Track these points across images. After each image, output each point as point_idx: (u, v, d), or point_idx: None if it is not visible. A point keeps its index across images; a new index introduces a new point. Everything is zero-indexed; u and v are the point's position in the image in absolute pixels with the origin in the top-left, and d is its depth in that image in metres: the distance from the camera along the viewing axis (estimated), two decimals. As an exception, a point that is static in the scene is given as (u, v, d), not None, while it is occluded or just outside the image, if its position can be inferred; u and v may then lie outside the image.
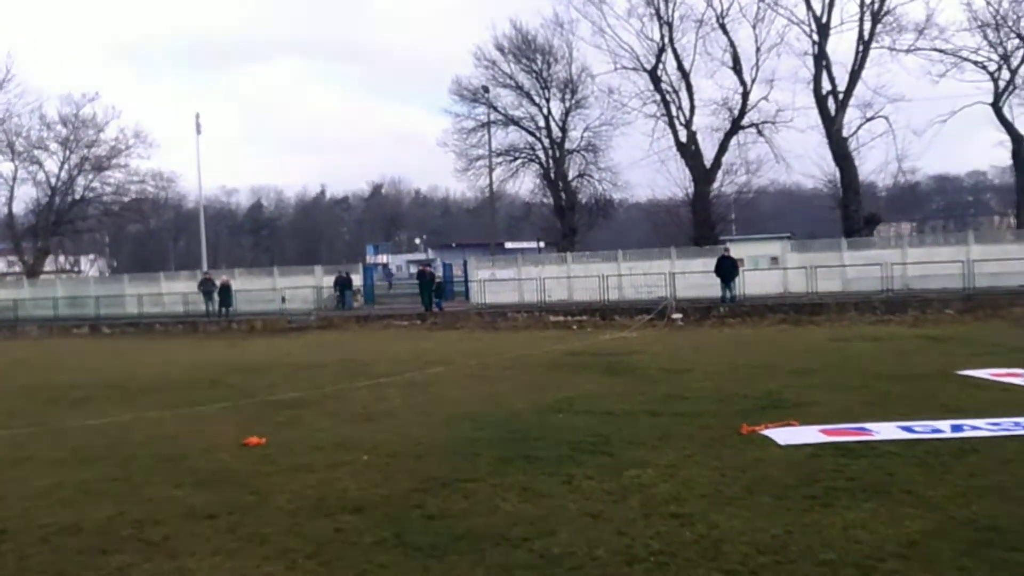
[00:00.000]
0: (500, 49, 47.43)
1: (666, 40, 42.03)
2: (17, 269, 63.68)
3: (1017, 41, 37.56)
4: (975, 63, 38.11)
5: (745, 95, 41.25)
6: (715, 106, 42.62)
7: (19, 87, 57.23)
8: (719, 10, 40.64)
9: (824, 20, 38.57)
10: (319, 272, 40.71)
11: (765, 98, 41.44)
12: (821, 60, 38.83)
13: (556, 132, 47.88)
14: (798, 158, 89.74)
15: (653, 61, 42.64)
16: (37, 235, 57.65)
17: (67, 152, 56.42)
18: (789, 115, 41.06)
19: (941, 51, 38.00)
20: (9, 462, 10.35)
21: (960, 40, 38.13)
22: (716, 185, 43.79)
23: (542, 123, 48.12)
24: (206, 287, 37.61)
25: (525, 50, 47.48)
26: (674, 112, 42.86)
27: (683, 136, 42.69)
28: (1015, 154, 38.60)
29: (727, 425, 10.44)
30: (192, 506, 7.82)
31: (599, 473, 8.37)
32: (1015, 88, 38.04)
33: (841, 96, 38.72)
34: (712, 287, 30.29)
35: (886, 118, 38.88)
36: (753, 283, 31.75)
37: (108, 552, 6.59)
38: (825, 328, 24.83)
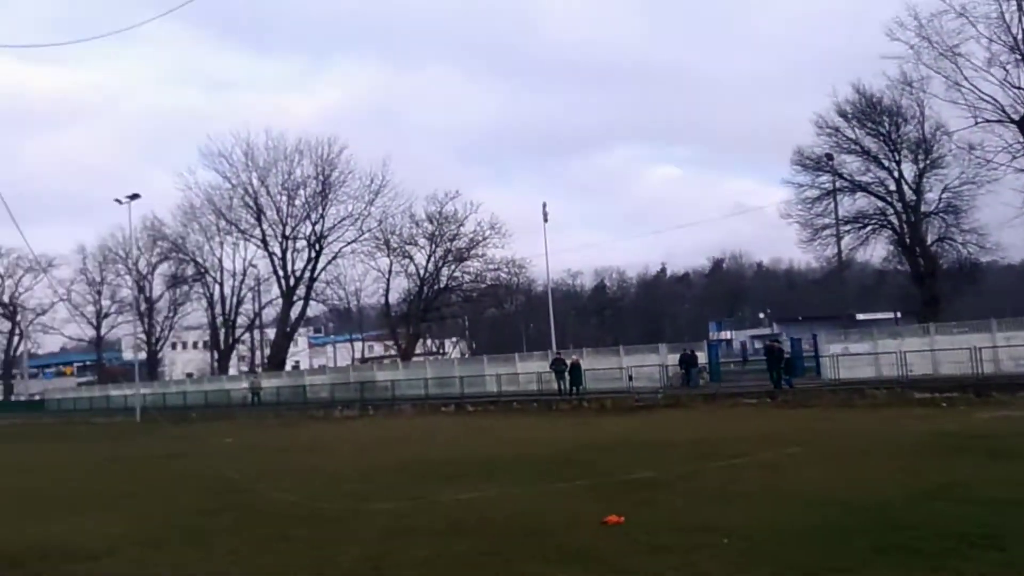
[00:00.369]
0: (843, 115, 45.89)
1: (1035, 86, 38.17)
2: (392, 352, 70.81)
3: None
4: None
5: None
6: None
7: (392, 191, 64.24)
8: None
9: None
10: (663, 350, 40.88)
11: None
12: None
13: (910, 195, 45.04)
14: None
15: (1022, 111, 38.82)
16: (409, 322, 63.77)
17: (433, 246, 62.27)
18: None
19: None
20: (394, 532, 11.34)
21: None
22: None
23: (893, 187, 45.56)
24: (557, 366, 39.20)
25: (870, 113, 45.47)
26: (1051, 163, 38.56)
27: (1064, 189, 38.17)
28: None
29: None
30: (560, 582, 8.06)
31: (992, 570, 7.50)
32: None
33: None
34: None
35: None
36: None
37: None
38: None
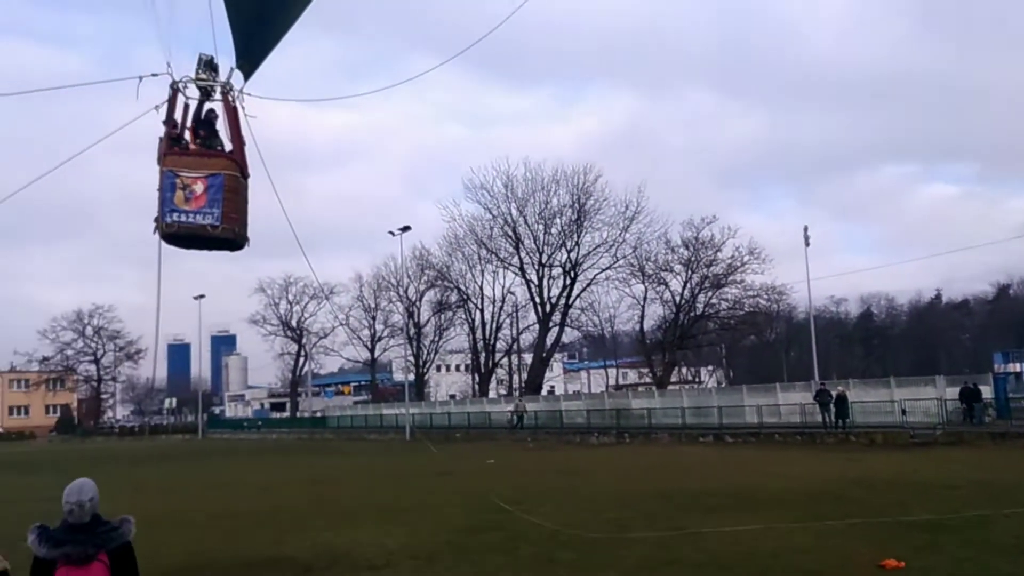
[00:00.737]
0: None
1: None
2: (647, 380, 70.49)
3: None
4: None
5: None
6: None
7: (647, 217, 64.27)
8: None
9: None
10: (941, 382, 37.70)
11: None
12: None
13: None
14: None
15: None
16: (665, 349, 63.29)
17: (689, 272, 61.57)
18: None
19: None
20: (656, 562, 11.24)
21: None
22: None
23: None
24: (822, 398, 37.31)
25: None
26: None
27: None
28: None
29: None
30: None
31: None
32: None
33: None
34: None
35: None
36: None
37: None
38: None
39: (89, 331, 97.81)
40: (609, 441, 43.55)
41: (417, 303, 79.80)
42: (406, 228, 61.62)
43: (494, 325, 74.64)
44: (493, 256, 71.05)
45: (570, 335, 77.09)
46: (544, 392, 73.40)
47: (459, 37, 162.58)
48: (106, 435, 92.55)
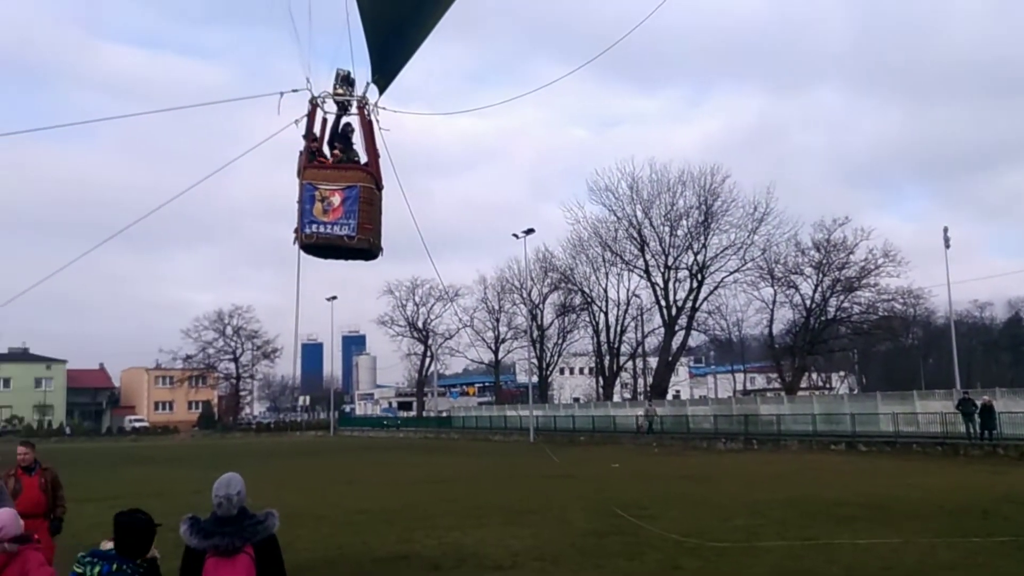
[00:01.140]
0: None
1: None
2: (776, 385, 68.80)
3: None
4: None
5: None
6: None
7: (776, 219, 62.78)
8: None
9: None
10: (1102, 394, 35.41)
11: None
12: None
13: None
14: None
15: None
16: (795, 354, 61.64)
17: (820, 275, 59.83)
18: None
19: None
20: (787, 573, 10.98)
21: None
22: None
23: None
24: (965, 407, 35.50)
25: None
26: None
27: None
28: None
29: None
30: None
31: None
32: None
33: None
34: None
35: None
36: None
37: None
38: None
39: (229, 331, 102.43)
40: (736, 447, 42.72)
41: (540, 305, 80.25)
42: (530, 231, 62.07)
43: (618, 328, 74.36)
44: (618, 259, 70.87)
45: (696, 339, 76.26)
46: (669, 397, 72.58)
47: (583, 39, 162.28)
48: (244, 431, 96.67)
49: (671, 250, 66.94)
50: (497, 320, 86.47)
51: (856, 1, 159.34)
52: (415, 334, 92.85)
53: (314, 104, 8.70)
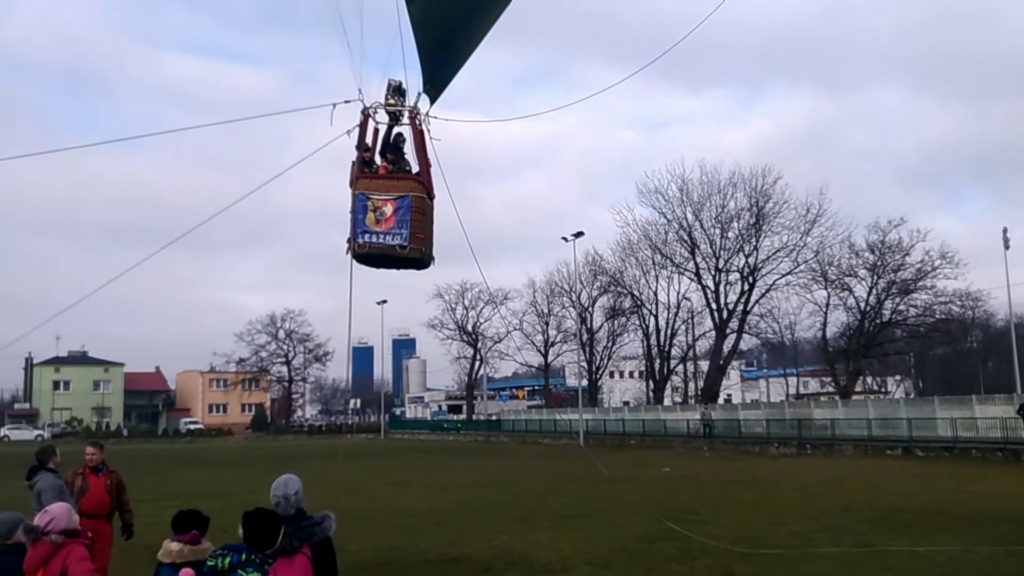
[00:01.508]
0: None
1: None
2: (830, 389, 67.79)
3: None
4: None
5: None
6: None
7: (829, 220, 61.86)
8: None
9: None
10: None
11: None
12: None
13: None
14: None
15: None
16: (849, 357, 60.68)
17: (875, 277, 58.87)
18: None
19: None
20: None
21: None
22: None
23: None
24: (1025, 412, 34.72)
25: None
26: None
27: None
28: None
29: None
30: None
31: None
32: None
33: None
34: None
35: None
36: None
37: None
38: None
39: (281, 334, 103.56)
40: (789, 452, 42.20)
41: (590, 309, 79.97)
42: (579, 234, 61.93)
43: (669, 331, 73.83)
44: (668, 261, 70.40)
45: (748, 342, 75.46)
46: (721, 400, 71.90)
47: (631, 41, 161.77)
48: (296, 433, 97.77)
49: (722, 252, 66.36)
50: (546, 323, 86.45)
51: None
52: (464, 337, 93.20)
53: (366, 115, 8.81)
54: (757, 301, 66.23)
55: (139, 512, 10.06)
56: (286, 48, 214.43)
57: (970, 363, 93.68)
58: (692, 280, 68.89)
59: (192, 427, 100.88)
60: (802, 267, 63.49)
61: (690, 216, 67.17)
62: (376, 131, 8.99)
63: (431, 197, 8.76)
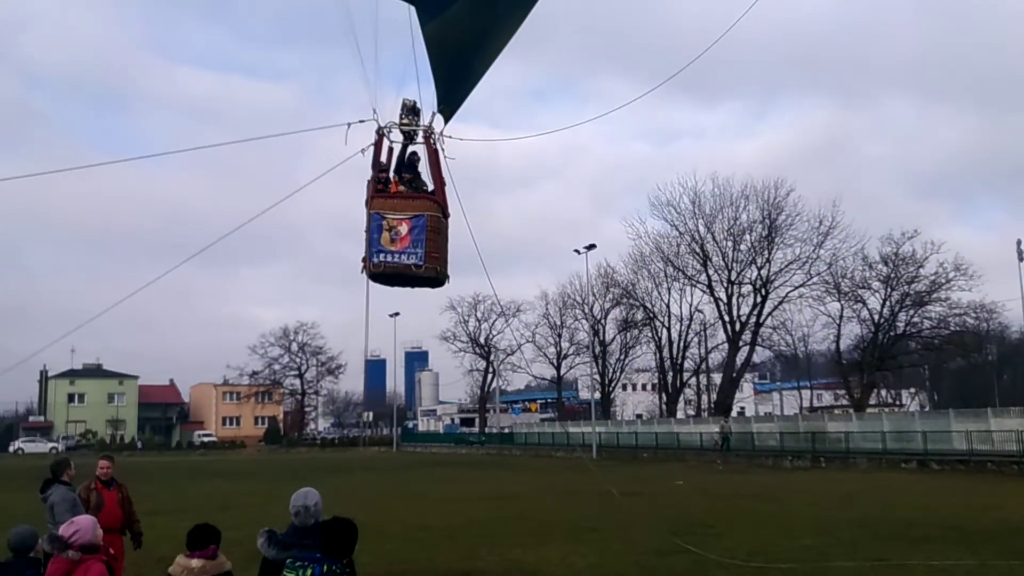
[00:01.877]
0: None
1: None
2: (844, 402, 67.47)
3: None
4: None
5: None
6: None
7: (842, 232, 61.69)
8: None
9: None
10: None
11: None
12: None
13: None
14: None
15: None
16: (863, 370, 60.40)
17: (889, 290, 58.65)
18: None
19: None
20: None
21: None
22: None
23: None
24: (1041, 426, 34.52)
25: None
26: None
27: None
28: None
29: None
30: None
31: None
32: None
33: None
34: None
35: None
36: None
37: None
38: None
39: (294, 347, 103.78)
40: (803, 465, 42.03)
41: (602, 321, 79.87)
42: (591, 246, 61.98)
43: (681, 344, 73.71)
44: (680, 274, 70.36)
45: (761, 355, 75.19)
46: (734, 413, 71.62)
47: (644, 54, 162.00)
48: (309, 446, 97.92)
49: (734, 265, 66.28)
50: (559, 336, 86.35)
51: (927, 9, 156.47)
52: (477, 350, 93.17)
53: (380, 134, 8.90)
54: (770, 313, 66.18)
55: (153, 525, 10.16)
56: (301, 62, 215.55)
57: (985, 376, 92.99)
58: (704, 292, 68.90)
59: (205, 439, 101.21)
60: (815, 279, 63.44)
61: (702, 228, 67.23)
62: (391, 150, 9.08)
63: (446, 216, 8.82)
